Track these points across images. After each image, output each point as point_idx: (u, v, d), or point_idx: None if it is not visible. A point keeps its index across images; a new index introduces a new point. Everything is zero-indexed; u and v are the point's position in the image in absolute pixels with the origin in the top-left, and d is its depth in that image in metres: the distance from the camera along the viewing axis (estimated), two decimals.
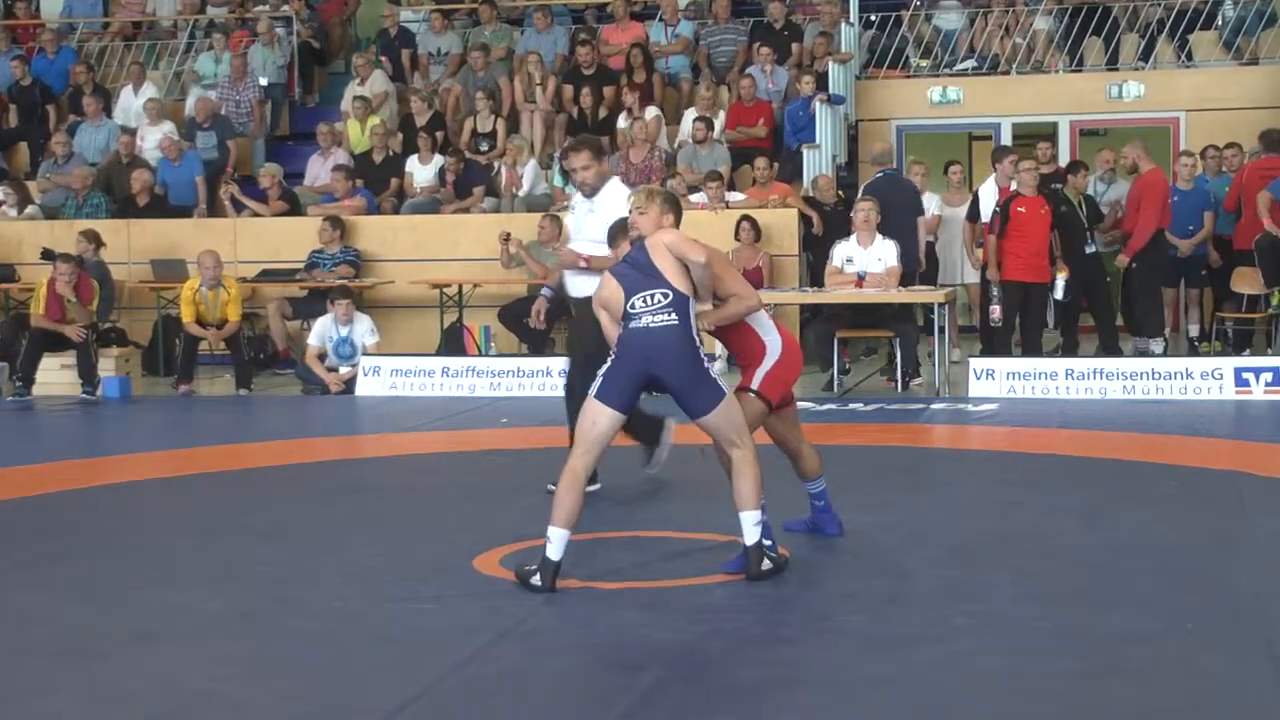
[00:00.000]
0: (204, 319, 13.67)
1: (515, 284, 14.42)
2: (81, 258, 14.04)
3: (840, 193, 15.02)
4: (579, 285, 8.22)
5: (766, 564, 6.28)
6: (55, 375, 13.64)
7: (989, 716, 4.75)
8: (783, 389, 6.80)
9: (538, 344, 13.74)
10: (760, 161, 15.12)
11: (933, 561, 6.61)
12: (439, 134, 16.42)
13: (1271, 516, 7.50)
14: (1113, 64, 16.95)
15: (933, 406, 11.74)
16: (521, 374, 13.10)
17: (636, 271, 6.41)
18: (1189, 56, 16.89)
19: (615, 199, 8.11)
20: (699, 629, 5.64)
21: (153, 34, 19.60)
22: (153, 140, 16.73)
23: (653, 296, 6.30)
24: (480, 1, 18.28)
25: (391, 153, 16.29)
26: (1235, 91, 16.35)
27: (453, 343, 14.40)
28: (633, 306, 6.32)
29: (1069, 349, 13.49)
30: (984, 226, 13.22)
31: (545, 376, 12.81)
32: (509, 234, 14.36)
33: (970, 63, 17.25)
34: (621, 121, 15.96)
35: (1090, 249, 13.48)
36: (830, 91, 15.90)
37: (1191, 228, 13.94)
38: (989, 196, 13.38)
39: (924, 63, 17.38)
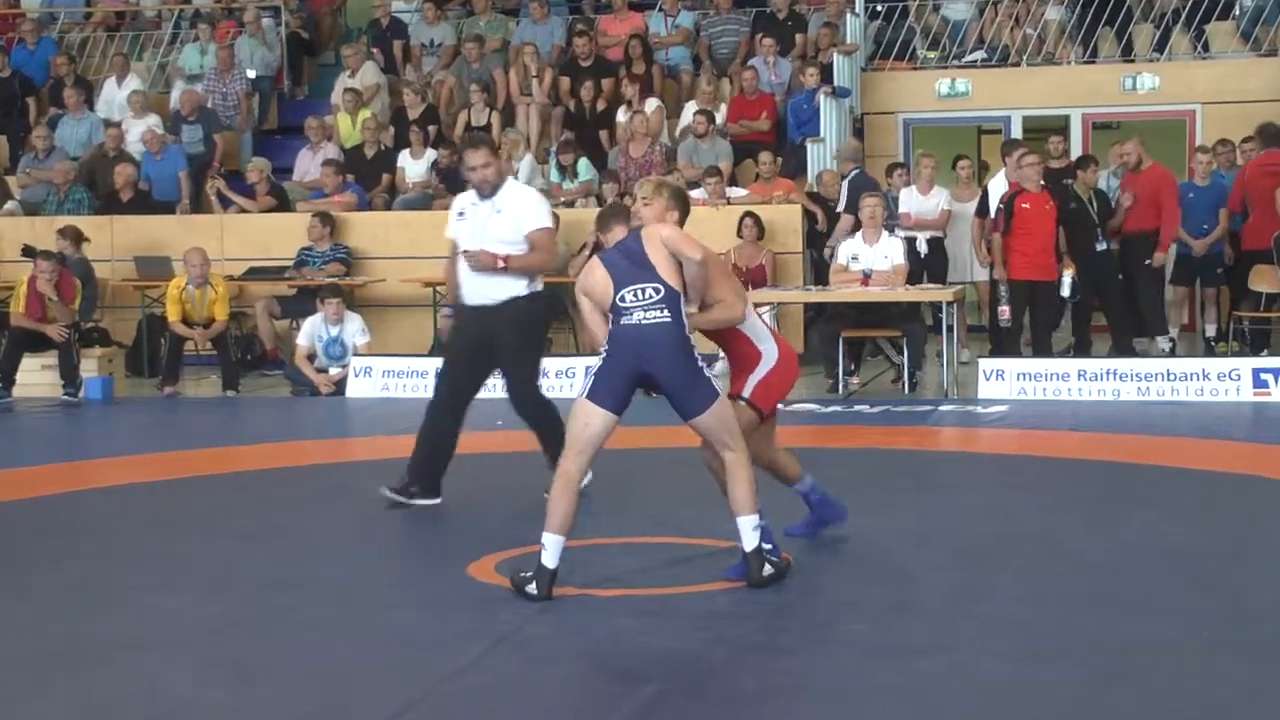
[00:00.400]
0: (190, 318, 13.59)
1: None
2: (63, 255, 14.00)
3: None
4: (482, 291, 7.97)
5: (768, 569, 6.21)
6: (36, 376, 13.57)
7: None
8: (775, 399, 6.77)
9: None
10: (763, 156, 15.04)
11: (938, 566, 6.59)
12: (432, 128, 16.35)
13: None
14: (1127, 55, 16.83)
15: (941, 408, 11.67)
16: None
17: (628, 261, 6.31)
18: (1205, 47, 16.76)
19: (521, 198, 8.11)
20: (699, 637, 5.63)
21: (136, 24, 19.50)
22: (136, 134, 16.63)
23: (644, 290, 6.22)
24: None
25: (383, 147, 16.23)
26: (1253, 83, 16.18)
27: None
28: (623, 299, 6.23)
29: (1081, 349, 13.42)
30: (990, 223, 13.14)
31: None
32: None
33: (979, 54, 17.14)
34: (621, 115, 15.83)
35: (1101, 246, 13.40)
36: (835, 84, 15.81)
37: (1206, 226, 13.81)
38: (1000, 192, 13.24)
39: (931, 54, 17.31)
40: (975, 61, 17.04)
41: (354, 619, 5.97)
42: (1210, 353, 13.52)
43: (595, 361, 6.28)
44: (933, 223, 13.98)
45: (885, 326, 12.67)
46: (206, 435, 11.44)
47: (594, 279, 6.36)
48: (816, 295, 12.82)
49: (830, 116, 15.43)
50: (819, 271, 14.08)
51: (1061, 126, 16.18)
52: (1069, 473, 9.02)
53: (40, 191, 16.30)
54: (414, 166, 15.90)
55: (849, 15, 16.73)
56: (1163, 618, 5.71)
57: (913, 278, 12.81)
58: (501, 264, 7.86)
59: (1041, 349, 12.83)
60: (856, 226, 13.01)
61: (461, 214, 8.08)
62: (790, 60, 16.47)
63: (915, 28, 17.27)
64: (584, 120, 16.10)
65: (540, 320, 8.36)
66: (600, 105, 16.22)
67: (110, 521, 8.05)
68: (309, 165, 16.16)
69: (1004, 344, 12.83)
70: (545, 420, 8.14)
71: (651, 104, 15.88)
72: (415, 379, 12.95)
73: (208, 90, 17.16)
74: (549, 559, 6.06)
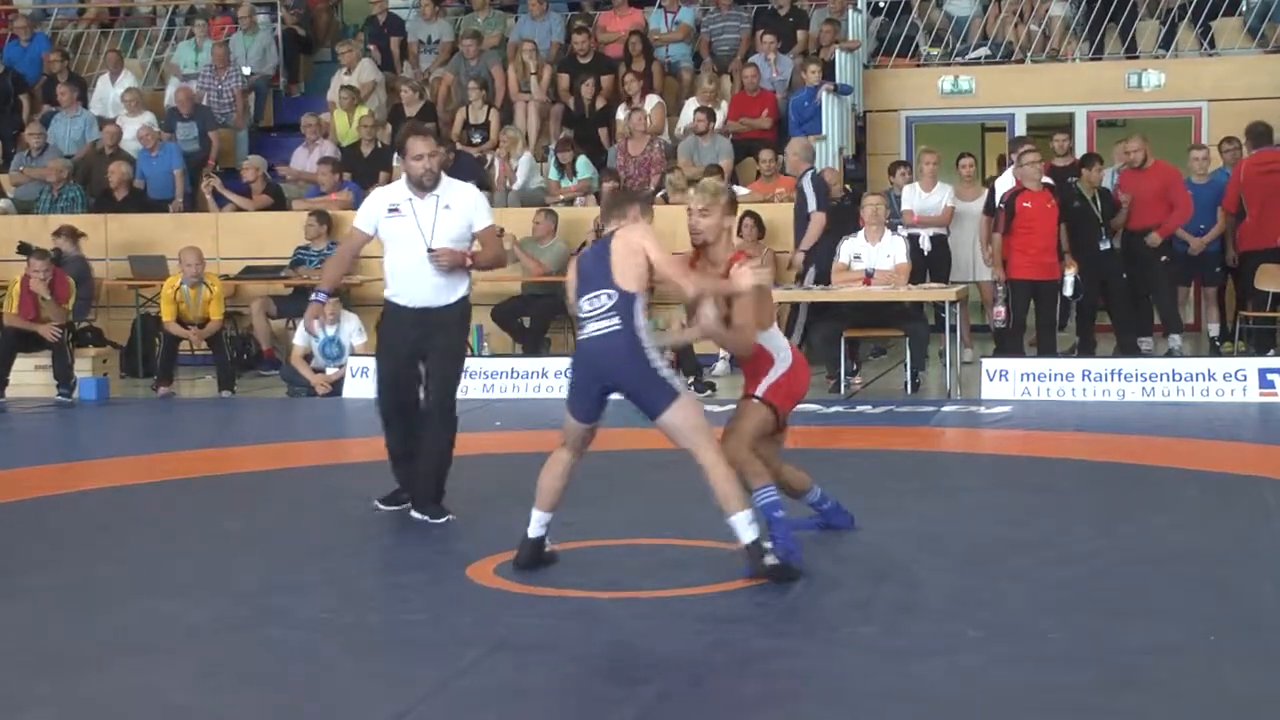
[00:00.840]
0: (185, 318, 13.54)
1: (509, 282, 14.21)
2: (60, 252, 14.07)
3: (847, 186, 14.95)
4: (430, 293, 7.62)
5: (771, 559, 6.17)
6: (29, 376, 13.58)
7: None
8: (790, 401, 6.75)
9: (533, 344, 13.61)
10: (764, 154, 15.00)
11: (944, 569, 6.54)
12: (429, 125, 15.98)
13: None
14: (1132, 52, 16.80)
15: (944, 409, 11.63)
16: (516, 375, 13.01)
17: (593, 264, 6.36)
18: (1211, 44, 16.73)
19: (468, 194, 7.77)
20: (701, 640, 5.59)
21: (130, 21, 19.48)
22: (131, 132, 16.59)
23: (598, 298, 6.26)
24: None
25: (380, 144, 16.15)
26: (1260, 80, 16.11)
27: None
28: (581, 309, 6.32)
29: (1085, 349, 13.42)
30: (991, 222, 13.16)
31: (540, 378, 12.85)
32: (502, 229, 13.88)
33: (983, 51, 17.08)
34: (620, 113, 15.77)
35: (1105, 245, 13.39)
36: (837, 81, 15.77)
37: (1203, 225, 13.81)
38: (1006, 189, 13.15)
39: (935, 51, 17.25)
40: (979, 58, 17.00)
41: (352, 622, 5.93)
42: (1215, 353, 13.47)
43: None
44: (936, 219, 13.95)
45: (888, 326, 12.63)
46: (202, 436, 11.42)
47: (568, 281, 6.43)
48: (818, 295, 12.77)
49: (832, 114, 15.39)
50: (820, 271, 13.97)
51: (1066, 124, 16.15)
52: (1074, 474, 8.99)
53: (33, 190, 16.27)
54: None
55: (851, 11, 16.67)
56: (1170, 621, 5.67)
57: (916, 276, 12.78)
58: (470, 262, 7.66)
59: (1045, 349, 12.81)
60: (837, 225, 12.92)
61: (395, 209, 7.63)
62: (792, 57, 16.42)
63: (918, 24, 17.23)
64: (583, 118, 16.06)
65: (470, 324, 8.15)
66: (599, 103, 16.15)
67: (105, 523, 8.01)
68: (305, 163, 16.12)
69: (1007, 344, 12.79)
70: (445, 433, 7.74)
71: (652, 101, 15.83)
72: None
73: (203, 88, 17.13)
74: (532, 529, 6.41)
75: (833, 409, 11.51)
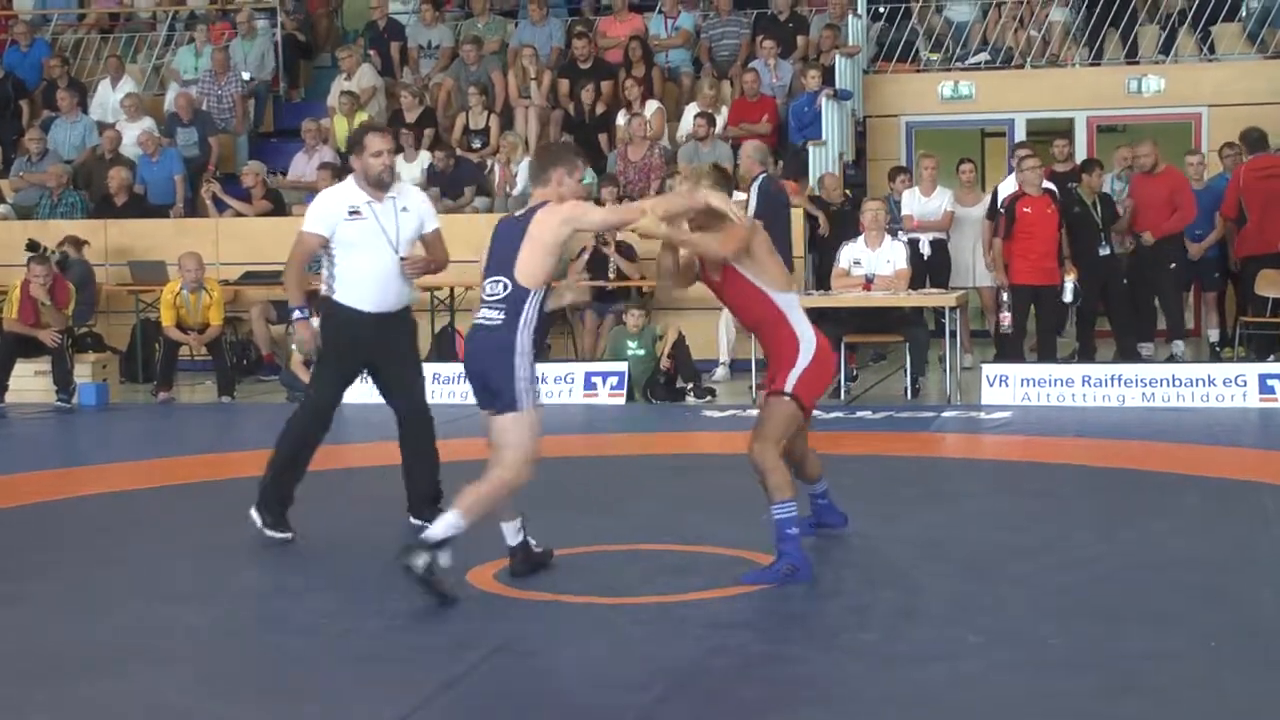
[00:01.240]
0: (185, 323, 13.53)
1: None
2: (66, 255, 14.09)
3: (847, 192, 14.93)
4: (391, 298, 7.43)
5: (422, 561, 5.91)
6: (29, 382, 13.51)
7: None
8: (816, 392, 6.58)
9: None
10: None
11: (944, 575, 6.53)
12: (429, 130, 16.24)
13: None
14: (1132, 57, 16.76)
15: (944, 414, 11.61)
16: None
17: (502, 245, 6.21)
18: (1211, 49, 16.69)
19: (420, 196, 7.67)
20: (702, 645, 5.56)
21: (130, 26, 19.45)
22: (130, 137, 16.57)
23: (497, 284, 6.16)
24: None
25: None
26: (1260, 86, 16.08)
27: (444, 348, 14.21)
28: (484, 290, 6.23)
29: (1085, 354, 13.39)
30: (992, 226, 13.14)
31: (540, 383, 12.37)
32: None
33: (983, 56, 17.07)
34: (621, 118, 15.76)
35: (1105, 251, 13.38)
36: (837, 86, 15.76)
37: (1199, 231, 13.83)
38: (1007, 194, 13.17)
39: (934, 56, 17.24)
40: (979, 64, 16.98)
41: (351, 626, 5.89)
42: (1215, 358, 13.47)
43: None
44: (935, 224, 13.92)
45: (888, 331, 12.63)
46: (201, 441, 11.40)
47: (483, 254, 6.29)
48: (818, 300, 12.72)
49: (832, 119, 15.37)
50: (820, 276, 14.00)
51: (1066, 129, 16.08)
52: (1074, 479, 8.98)
53: (33, 195, 16.26)
54: (407, 170, 15.73)
55: (851, 17, 16.64)
56: (1170, 627, 5.67)
57: (915, 281, 12.77)
58: (433, 268, 7.54)
59: (1045, 354, 12.79)
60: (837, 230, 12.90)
61: (356, 212, 7.33)
62: (792, 62, 16.40)
63: (918, 29, 17.20)
64: (583, 123, 16.03)
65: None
66: (599, 108, 16.14)
67: (104, 528, 7.99)
68: (305, 168, 16.07)
69: (1007, 349, 12.76)
70: (433, 434, 7.69)
71: (652, 107, 15.82)
72: None
73: (203, 93, 17.11)
74: (509, 539, 6.43)
75: (833, 414, 11.47)
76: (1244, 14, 16.70)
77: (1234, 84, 16.17)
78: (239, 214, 15.54)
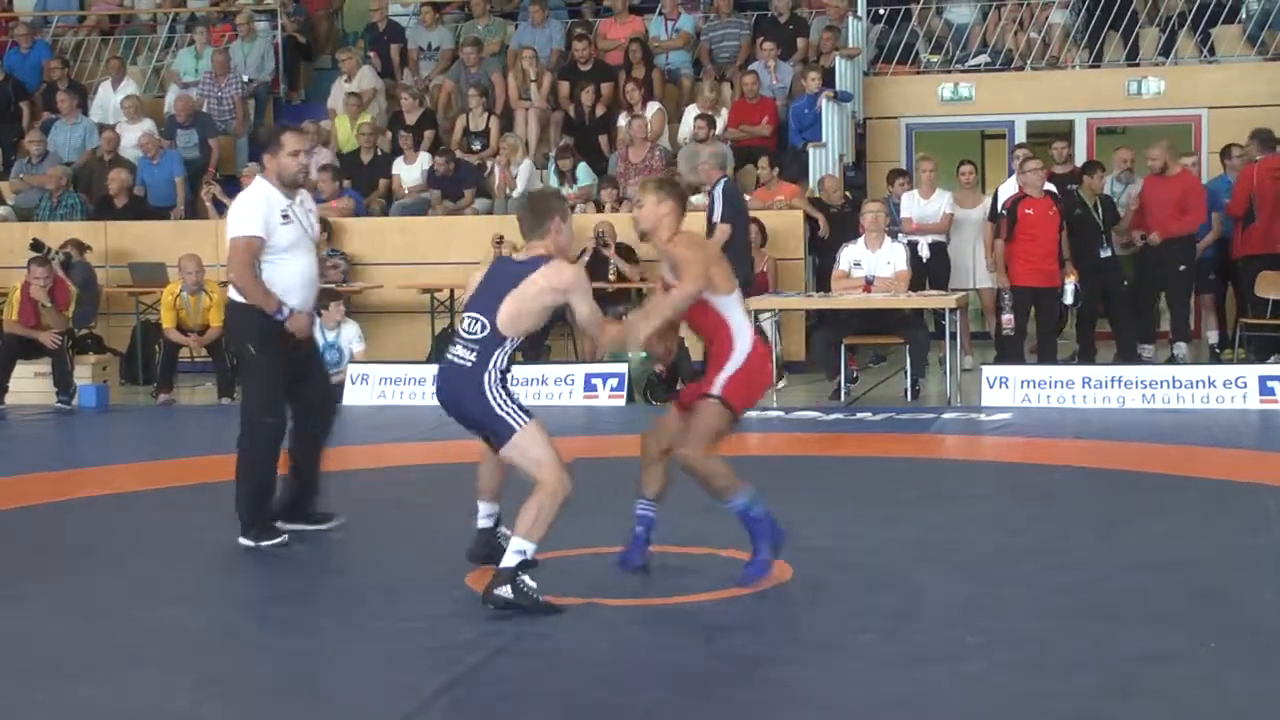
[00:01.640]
0: (185, 325, 13.51)
1: None
2: (70, 256, 14.09)
3: (847, 194, 14.93)
4: (310, 296, 7.45)
5: (507, 591, 5.87)
6: (29, 384, 13.51)
7: None
8: (748, 397, 6.44)
9: (532, 351, 13.46)
10: (764, 161, 15.00)
11: (944, 576, 6.53)
12: (429, 132, 16.24)
13: None
14: (1132, 59, 16.74)
15: (944, 416, 11.61)
16: (515, 383, 12.61)
17: (493, 283, 6.20)
18: (1211, 51, 16.66)
19: (307, 197, 7.61)
20: (701, 648, 5.58)
21: (131, 28, 19.43)
22: (131, 139, 16.57)
23: (475, 322, 6.16)
24: None
25: (380, 152, 16.18)
26: (1260, 88, 16.06)
27: (444, 350, 13.91)
28: (461, 323, 6.25)
29: (1086, 356, 13.38)
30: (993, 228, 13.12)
31: (540, 385, 12.80)
32: (502, 237, 14.13)
33: (983, 58, 17.04)
34: (621, 119, 15.76)
35: (1106, 253, 13.39)
36: (837, 88, 15.75)
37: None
38: (1009, 196, 13.15)
39: (934, 58, 17.21)
40: (979, 66, 16.96)
41: (351, 629, 5.90)
42: (1216, 360, 13.46)
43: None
44: (935, 226, 13.91)
45: (888, 333, 12.63)
46: (202, 443, 11.31)
47: (469, 283, 6.31)
48: (818, 302, 12.77)
49: (832, 121, 15.36)
50: (820, 278, 13.99)
51: (1066, 132, 16.10)
52: (1074, 481, 8.97)
53: (33, 197, 16.25)
54: (408, 172, 15.82)
55: (851, 19, 16.62)
56: (1170, 627, 5.68)
57: (915, 283, 12.76)
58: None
59: (1045, 355, 12.78)
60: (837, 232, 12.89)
61: (287, 215, 7.25)
62: (791, 64, 16.39)
63: (918, 31, 17.17)
64: (583, 125, 16.04)
65: None
66: (600, 110, 16.13)
67: (103, 531, 7.99)
68: None
69: (1008, 351, 12.75)
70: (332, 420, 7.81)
71: (652, 108, 15.81)
72: (412, 387, 12.92)
73: (203, 95, 17.10)
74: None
75: (833, 416, 11.50)
76: (1244, 16, 16.68)
77: (1234, 86, 16.16)
78: None
